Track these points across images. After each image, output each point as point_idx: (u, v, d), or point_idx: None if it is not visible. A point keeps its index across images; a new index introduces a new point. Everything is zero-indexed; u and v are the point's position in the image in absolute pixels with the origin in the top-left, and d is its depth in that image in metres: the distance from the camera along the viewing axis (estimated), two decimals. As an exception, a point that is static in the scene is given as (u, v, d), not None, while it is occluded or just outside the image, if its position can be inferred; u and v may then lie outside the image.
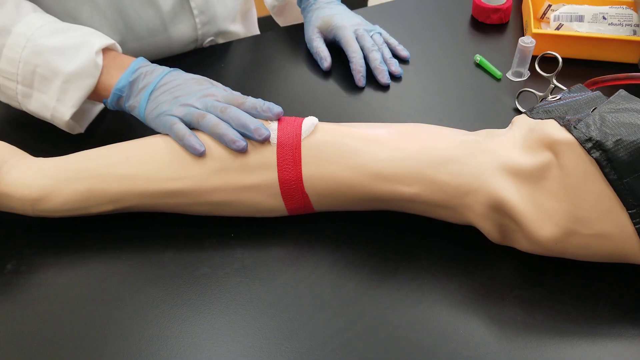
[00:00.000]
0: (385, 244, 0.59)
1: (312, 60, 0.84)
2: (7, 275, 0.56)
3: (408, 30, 0.90)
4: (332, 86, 0.79)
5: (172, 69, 0.64)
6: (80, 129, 0.69)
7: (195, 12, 0.84)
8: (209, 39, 0.89)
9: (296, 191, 0.56)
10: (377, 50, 0.81)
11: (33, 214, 0.58)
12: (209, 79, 0.64)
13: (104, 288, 0.56)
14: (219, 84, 0.64)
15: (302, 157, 0.56)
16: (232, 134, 0.55)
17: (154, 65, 0.65)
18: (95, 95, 0.65)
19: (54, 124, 0.67)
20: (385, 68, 0.79)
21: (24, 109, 0.67)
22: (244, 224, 0.60)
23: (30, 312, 0.54)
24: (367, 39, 0.81)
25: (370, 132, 0.57)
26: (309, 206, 0.58)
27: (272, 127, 0.57)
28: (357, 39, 0.81)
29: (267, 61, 0.85)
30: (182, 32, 0.84)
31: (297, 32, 0.90)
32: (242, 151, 0.55)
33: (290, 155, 0.56)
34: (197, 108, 0.59)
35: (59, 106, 0.64)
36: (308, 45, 0.85)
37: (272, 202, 0.57)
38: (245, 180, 0.56)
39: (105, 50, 0.65)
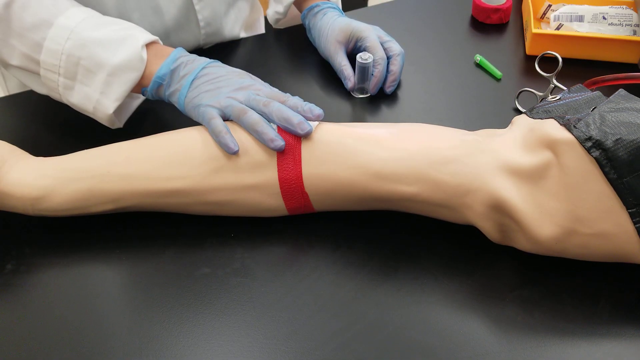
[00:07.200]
0: (385, 244, 0.59)
1: (312, 60, 0.84)
2: (7, 275, 0.56)
3: (408, 30, 0.90)
4: (332, 86, 0.79)
5: (212, 60, 0.65)
6: (119, 123, 0.68)
7: (202, 24, 0.83)
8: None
9: (296, 191, 0.56)
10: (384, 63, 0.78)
11: (33, 213, 0.58)
12: (248, 73, 0.65)
13: (104, 288, 0.56)
14: (258, 79, 0.64)
15: (302, 156, 0.56)
16: (271, 134, 0.56)
17: (194, 55, 0.66)
18: (136, 85, 0.65)
19: (95, 117, 0.66)
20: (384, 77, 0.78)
21: (65, 101, 0.67)
22: (244, 224, 0.60)
23: (31, 312, 0.54)
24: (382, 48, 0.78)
25: (370, 131, 0.57)
26: (309, 206, 0.58)
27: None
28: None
29: (267, 61, 0.85)
30: (185, 41, 0.84)
31: (297, 33, 0.90)
32: (280, 150, 0.55)
33: (290, 155, 0.56)
34: (239, 102, 0.59)
35: (102, 99, 0.64)
36: (328, 58, 0.81)
37: (272, 202, 0.57)
38: (245, 179, 0.56)
39: (148, 44, 0.65)
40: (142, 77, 0.64)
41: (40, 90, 0.69)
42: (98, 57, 0.62)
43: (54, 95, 0.67)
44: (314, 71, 0.82)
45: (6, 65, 0.69)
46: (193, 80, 0.62)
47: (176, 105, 0.64)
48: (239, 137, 0.57)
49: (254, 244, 0.59)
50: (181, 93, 0.63)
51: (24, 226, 0.61)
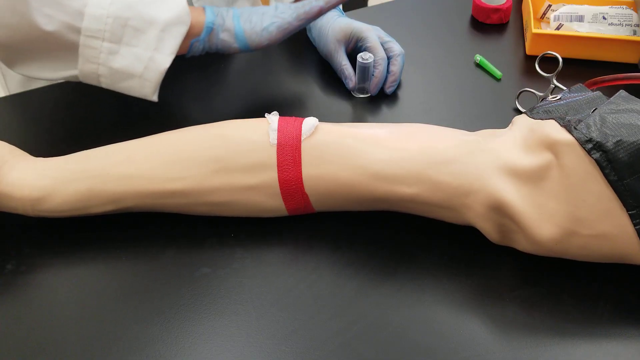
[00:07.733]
0: (385, 244, 0.59)
1: (312, 60, 0.84)
2: (7, 275, 0.56)
3: (408, 30, 0.90)
4: (332, 86, 0.79)
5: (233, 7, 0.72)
6: (156, 95, 0.68)
7: None
8: None
9: (296, 192, 0.56)
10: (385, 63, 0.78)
11: (33, 214, 0.58)
12: None
13: (104, 288, 0.56)
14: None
15: (302, 157, 0.56)
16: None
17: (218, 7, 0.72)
18: (185, 39, 0.67)
19: (142, 80, 0.65)
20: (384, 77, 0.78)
21: (102, 71, 0.64)
22: (244, 224, 0.60)
23: (31, 312, 0.54)
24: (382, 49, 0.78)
25: (370, 132, 0.57)
26: (309, 206, 0.58)
27: (272, 128, 0.57)
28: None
29: (267, 61, 0.85)
30: None
31: (297, 33, 0.89)
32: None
33: (290, 156, 0.56)
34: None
35: (156, 55, 0.64)
36: (328, 57, 0.81)
37: (272, 203, 0.57)
38: (245, 180, 0.56)
39: None
40: (191, 27, 0.66)
41: (53, 75, 0.66)
42: (147, 15, 0.63)
43: (87, 67, 0.64)
44: (314, 71, 0.82)
45: (30, 38, 0.65)
46: (239, 18, 0.68)
47: (231, 46, 0.68)
48: (242, 135, 0.57)
49: (254, 244, 0.59)
50: (237, 30, 0.68)
51: (24, 226, 0.61)
